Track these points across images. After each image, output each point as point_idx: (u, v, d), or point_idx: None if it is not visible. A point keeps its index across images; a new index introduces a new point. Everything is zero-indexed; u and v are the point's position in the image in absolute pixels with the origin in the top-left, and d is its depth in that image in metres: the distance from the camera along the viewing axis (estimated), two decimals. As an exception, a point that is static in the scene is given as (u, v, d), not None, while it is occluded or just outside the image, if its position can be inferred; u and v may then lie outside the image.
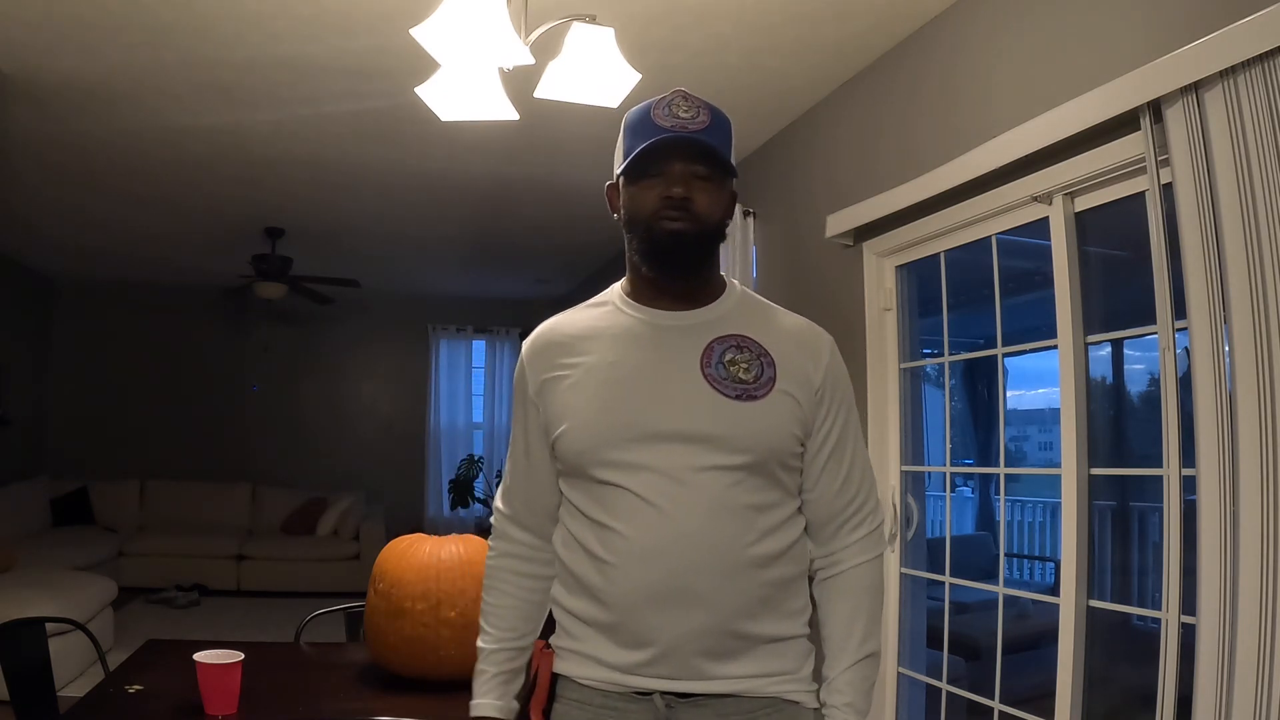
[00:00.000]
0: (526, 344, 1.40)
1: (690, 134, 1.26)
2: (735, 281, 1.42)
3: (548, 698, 1.33)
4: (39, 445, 7.46)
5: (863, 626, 1.32)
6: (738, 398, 1.27)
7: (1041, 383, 2.79)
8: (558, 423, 1.30)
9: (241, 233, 5.80)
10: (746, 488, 1.25)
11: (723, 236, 1.33)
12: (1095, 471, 2.31)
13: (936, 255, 2.96)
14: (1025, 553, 5.28)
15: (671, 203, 1.25)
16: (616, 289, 1.41)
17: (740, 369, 1.29)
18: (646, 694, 1.25)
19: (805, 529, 1.35)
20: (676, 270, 1.31)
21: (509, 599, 1.39)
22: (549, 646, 1.35)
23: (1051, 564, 4.69)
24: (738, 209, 3.98)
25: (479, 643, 1.40)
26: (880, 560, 1.37)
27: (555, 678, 1.33)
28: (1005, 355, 2.72)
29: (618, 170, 1.33)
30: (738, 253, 4.03)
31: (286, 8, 2.78)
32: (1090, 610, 2.28)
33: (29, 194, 4.98)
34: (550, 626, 1.40)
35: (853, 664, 1.30)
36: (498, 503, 1.44)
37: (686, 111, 1.29)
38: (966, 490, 5.28)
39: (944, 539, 3.24)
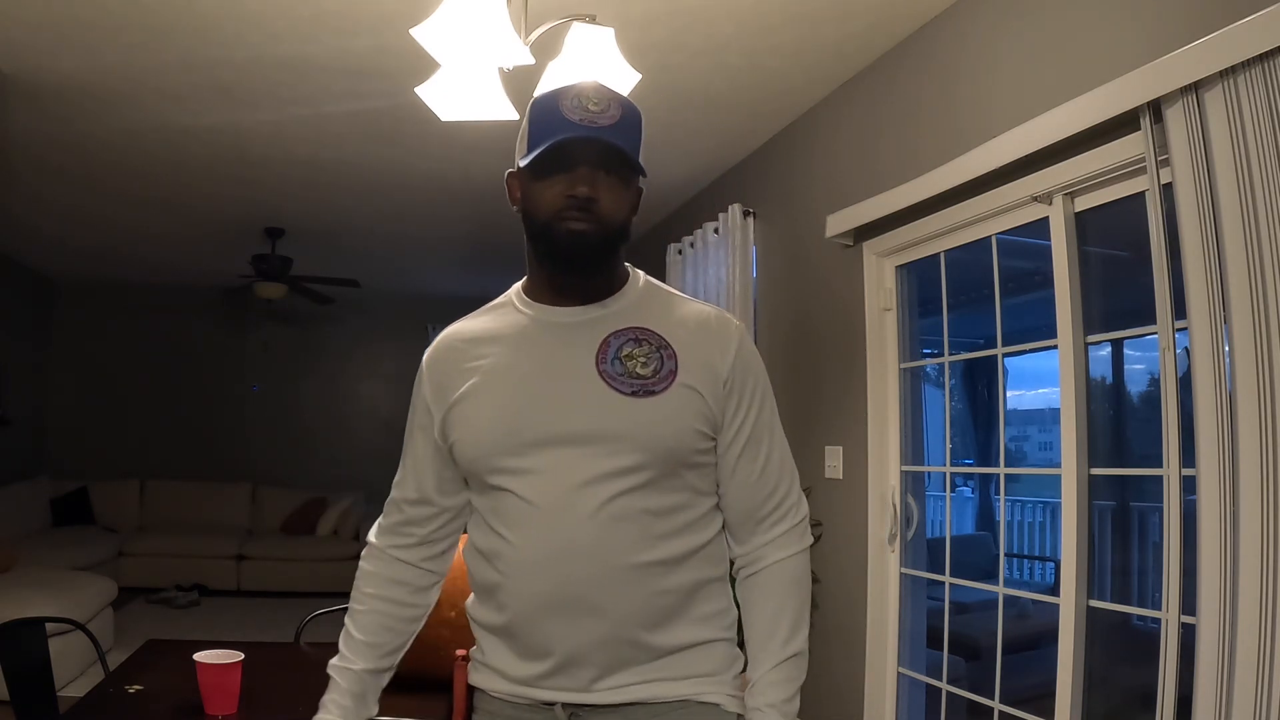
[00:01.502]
0: (426, 354, 1.35)
1: (598, 130, 1.18)
2: (640, 273, 1.35)
3: (466, 709, 1.30)
4: (39, 445, 7.46)
5: (787, 625, 1.26)
6: (634, 394, 1.20)
7: (1041, 383, 2.79)
8: (452, 431, 1.26)
9: (241, 233, 5.80)
10: (643, 492, 1.19)
11: (627, 237, 1.25)
12: (1095, 471, 2.31)
13: (936, 255, 2.96)
14: (1025, 553, 5.28)
15: (575, 202, 1.17)
16: (516, 288, 1.35)
17: (638, 363, 1.22)
18: (550, 705, 1.21)
19: (722, 527, 1.30)
20: (577, 272, 1.25)
21: (377, 609, 1.35)
22: (467, 658, 1.33)
23: (1051, 564, 4.69)
24: (738, 208, 4.07)
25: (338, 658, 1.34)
26: (804, 555, 1.31)
27: (471, 690, 1.32)
28: (1005, 355, 2.72)
29: (520, 160, 1.25)
30: (738, 253, 4.03)
31: (286, 8, 2.78)
32: (1090, 610, 2.28)
33: (29, 194, 4.98)
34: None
35: (776, 664, 1.24)
36: (381, 517, 1.39)
37: (596, 104, 1.20)
38: (966, 490, 5.28)
39: (944, 539, 3.24)
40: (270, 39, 2.99)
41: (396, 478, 1.37)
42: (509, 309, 1.32)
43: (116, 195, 4.99)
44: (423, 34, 1.97)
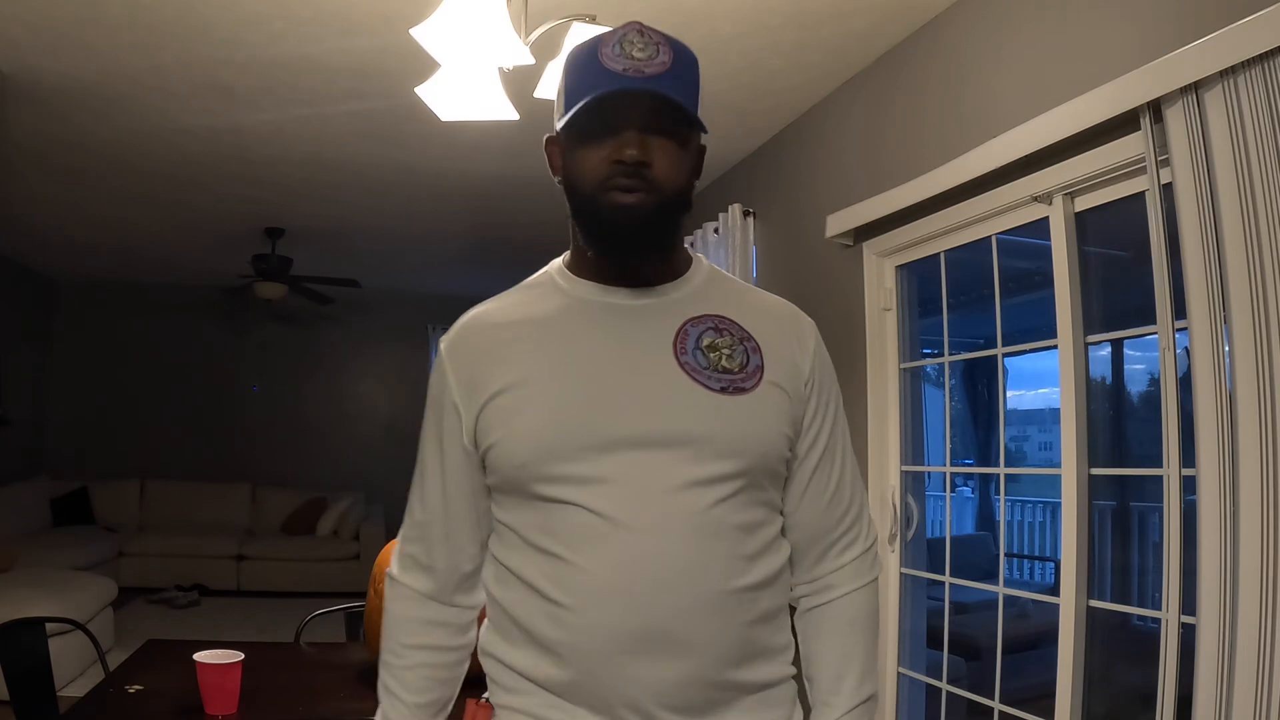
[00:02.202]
0: (446, 340, 1.13)
1: (646, 80, 0.99)
2: (702, 257, 1.18)
3: None
4: (39, 445, 7.46)
5: (859, 666, 1.12)
6: (723, 390, 1.03)
7: (1041, 383, 2.79)
8: (490, 431, 1.05)
9: (241, 233, 5.80)
10: (734, 503, 1.02)
11: (688, 206, 1.06)
12: (1095, 471, 2.31)
13: (936, 255, 2.96)
14: (1025, 553, 5.28)
15: (624, 169, 0.99)
16: (556, 265, 1.15)
17: (723, 356, 1.06)
18: None
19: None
20: (631, 252, 1.06)
21: (423, 662, 1.12)
22: (484, 700, 1.11)
23: (1051, 564, 4.69)
24: (738, 208, 4.06)
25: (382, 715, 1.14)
26: (875, 586, 1.17)
27: None
28: (1005, 355, 2.72)
29: (558, 122, 1.07)
30: (738, 253, 4.02)
31: (286, 8, 2.78)
32: (1090, 610, 2.28)
33: (29, 194, 4.98)
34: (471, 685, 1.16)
35: (847, 711, 1.11)
36: (401, 545, 1.16)
37: (642, 50, 1.02)
38: (966, 490, 5.28)
39: (944, 539, 3.24)
40: (270, 39, 2.99)
41: (416, 496, 1.15)
42: (550, 288, 1.12)
43: (117, 195, 4.99)
44: (423, 34, 1.97)
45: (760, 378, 1.06)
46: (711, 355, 1.05)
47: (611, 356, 1.05)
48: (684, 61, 1.05)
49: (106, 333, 7.81)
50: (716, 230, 4.22)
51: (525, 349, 1.07)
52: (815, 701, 1.15)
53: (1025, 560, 5.22)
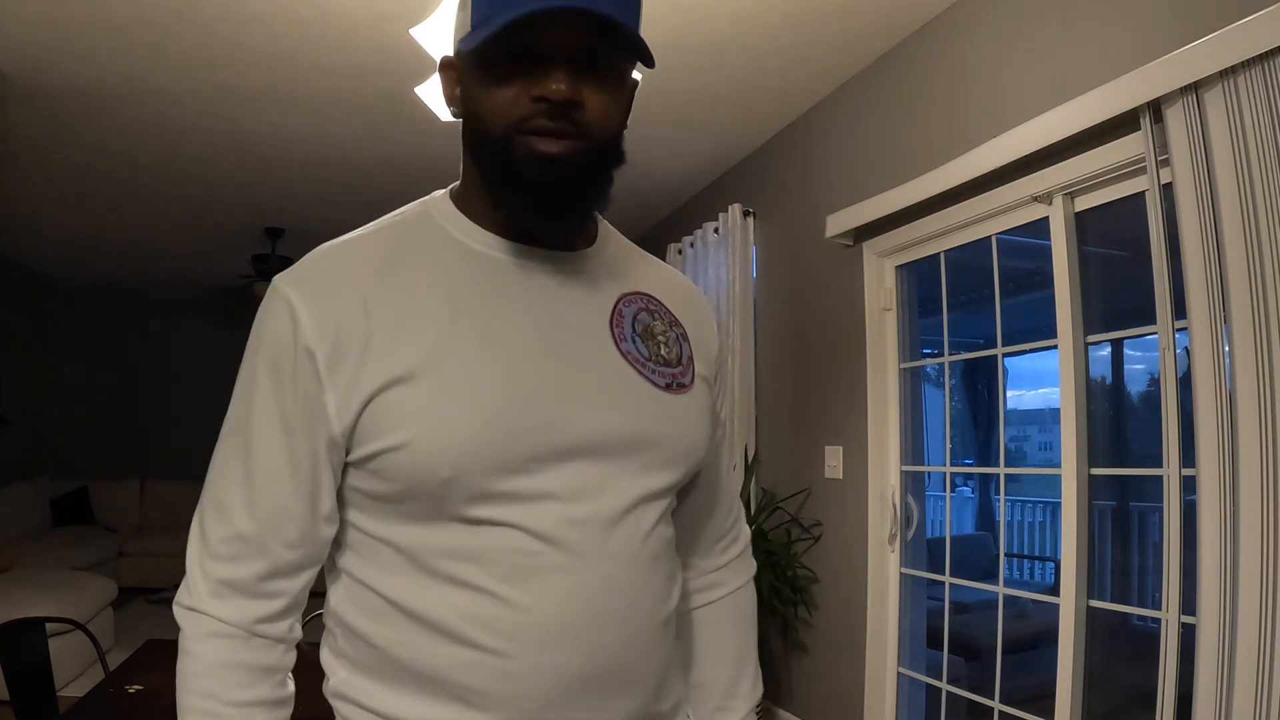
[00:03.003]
0: (293, 278, 0.83)
1: None
2: (598, 215, 0.95)
3: None
4: (39, 445, 7.46)
5: (752, 667, 1.06)
6: (668, 388, 0.88)
7: (1041, 383, 2.79)
8: (389, 429, 0.78)
9: (241, 233, 5.80)
10: (666, 518, 0.89)
11: (622, 157, 0.85)
12: (1095, 471, 2.31)
13: (936, 255, 2.96)
14: (1025, 553, 5.27)
15: (548, 108, 0.77)
16: (437, 201, 0.90)
17: (660, 345, 0.90)
18: None
19: None
20: (553, 213, 0.83)
21: (250, 709, 0.80)
22: None
23: (1051, 564, 4.69)
24: (738, 208, 4.06)
25: None
26: (753, 584, 1.11)
27: None
28: (1005, 355, 2.72)
29: (459, 42, 0.83)
30: (738, 253, 4.03)
31: (287, 8, 2.78)
32: (1090, 610, 2.28)
33: (29, 194, 4.98)
34: None
35: (746, 714, 1.05)
36: (208, 565, 0.82)
37: None
38: (966, 490, 5.27)
39: (944, 539, 3.24)
40: (270, 39, 2.99)
41: (235, 495, 0.82)
42: (438, 234, 0.87)
43: (117, 195, 4.99)
44: (422, 34, 1.97)
45: (693, 372, 0.92)
46: (649, 344, 0.89)
47: (542, 337, 0.83)
48: None
49: (106, 333, 7.81)
50: (716, 230, 4.22)
51: (428, 314, 0.81)
52: (708, 705, 1.04)
53: (1025, 560, 5.21)
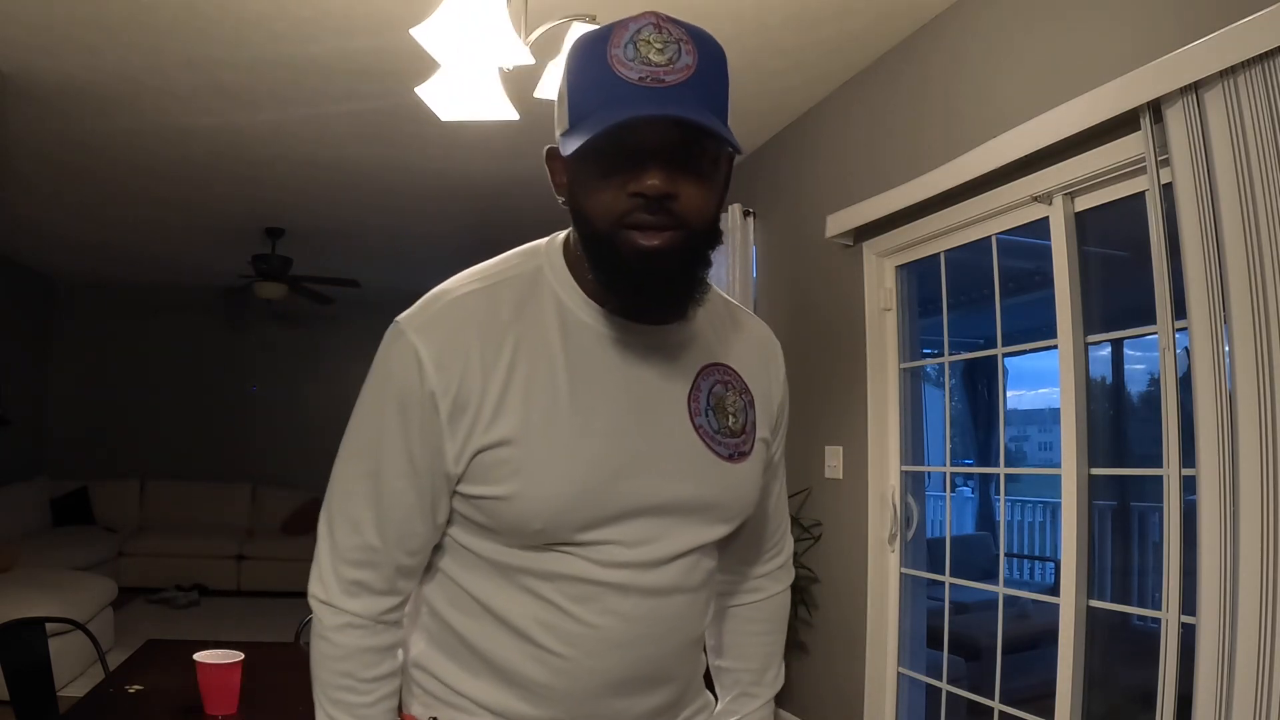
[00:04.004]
0: (420, 326, 0.93)
1: (668, 93, 0.82)
2: None
3: None
4: (39, 445, 7.46)
5: (778, 663, 1.19)
6: (730, 458, 0.99)
7: (1041, 383, 2.79)
8: (495, 481, 0.90)
9: (242, 233, 5.80)
10: (712, 551, 1.03)
11: (719, 238, 0.92)
12: (1095, 471, 2.31)
13: (936, 255, 2.96)
14: (1025, 553, 5.27)
15: (644, 203, 0.84)
16: (552, 258, 0.98)
17: (729, 417, 1.00)
18: None
19: None
20: (658, 303, 0.92)
21: (388, 693, 0.97)
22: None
23: (1051, 564, 4.69)
24: (738, 209, 4.05)
25: None
26: (790, 592, 1.23)
27: None
28: (1005, 355, 2.72)
29: (562, 145, 0.89)
30: (738, 253, 4.02)
31: (287, 8, 2.78)
32: (1090, 610, 2.28)
33: (29, 194, 4.98)
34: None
35: (767, 701, 1.18)
36: (341, 569, 0.95)
37: (661, 52, 0.83)
38: (966, 490, 5.27)
39: (944, 539, 3.24)
40: (271, 39, 2.99)
41: (366, 513, 0.94)
42: (544, 293, 0.95)
43: (117, 195, 4.99)
44: (423, 34, 1.97)
45: (754, 438, 1.02)
46: (720, 417, 0.99)
47: (631, 412, 0.94)
48: (710, 60, 0.86)
49: (106, 332, 7.81)
50: (716, 230, 4.21)
51: (531, 380, 0.91)
52: (734, 688, 1.19)
53: (1025, 560, 5.21)
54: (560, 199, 0.95)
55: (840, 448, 3.33)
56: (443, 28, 1.96)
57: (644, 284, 0.88)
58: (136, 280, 7.73)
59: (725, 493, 0.99)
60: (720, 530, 1.00)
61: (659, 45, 0.84)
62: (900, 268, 3.14)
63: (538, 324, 0.93)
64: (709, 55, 0.86)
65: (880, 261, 3.17)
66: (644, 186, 0.83)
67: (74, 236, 6.09)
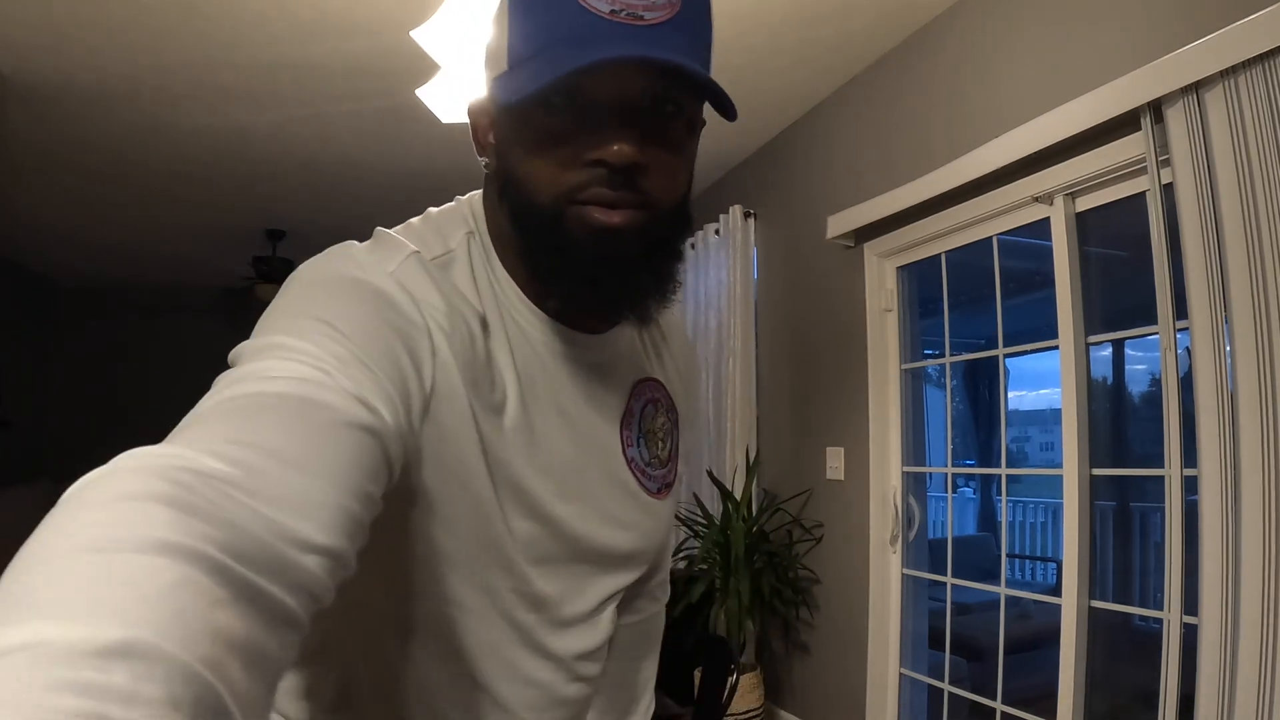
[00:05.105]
0: (416, 279, 0.70)
1: (648, 34, 0.62)
2: None
3: None
4: (39, 448, 7.46)
5: (651, 689, 1.02)
6: (656, 493, 0.84)
7: (1043, 383, 2.79)
8: (440, 497, 0.67)
9: (242, 234, 5.81)
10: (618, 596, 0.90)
11: (689, 225, 0.73)
12: (1097, 472, 2.31)
13: (937, 256, 2.96)
14: (1027, 553, 5.28)
15: (608, 175, 0.64)
16: (489, 249, 0.77)
17: (658, 443, 0.84)
18: None
19: None
20: (611, 296, 0.70)
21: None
22: None
23: (1053, 564, 4.69)
24: (738, 210, 4.06)
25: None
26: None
27: None
28: (1006, 356, 2.72)
29: (499, 89, 0.69)
30: (738, 254, 4.02)
31: (287, 10, 2.78)
32: (1092, 610, 2.27)
33: (29, 195, 4.98)
34: None
35: None
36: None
37: None
38: (968, 491, 5.27)
39: (945, 540, 3.24)
40: (271, 40, 2.99)
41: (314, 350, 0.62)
42: (491, 291, 0.74)
43: (117, 196, 4.99)
44: (423, 36, 1.97)
45: (676, 467, 0.88)
46: (650, 445, 0.83)
47: (570, 448, 0.76)
48: (696, 2, 0.66)
49: (107, 334, 7.81)
50: (717, 232, 4.22)
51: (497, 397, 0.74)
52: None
53: (1027, 561, 5.21)
54: (483, 161, 0.75)
55: (841, 449, 3.33)
56: (443, 29, 1.96)
57: (599, 274, 0.67)
58: (137, 282, 7.73)
59: (649, 540, 0.85)
60: (635, 574, 0.86)
61: None
62: (901, 268, 3.14)
63: (498, 322, 0.74)
64: None
65: (881, 262, 3.17)
66: (608, 153, 0.63)
67: (74, 238, 6.09)
